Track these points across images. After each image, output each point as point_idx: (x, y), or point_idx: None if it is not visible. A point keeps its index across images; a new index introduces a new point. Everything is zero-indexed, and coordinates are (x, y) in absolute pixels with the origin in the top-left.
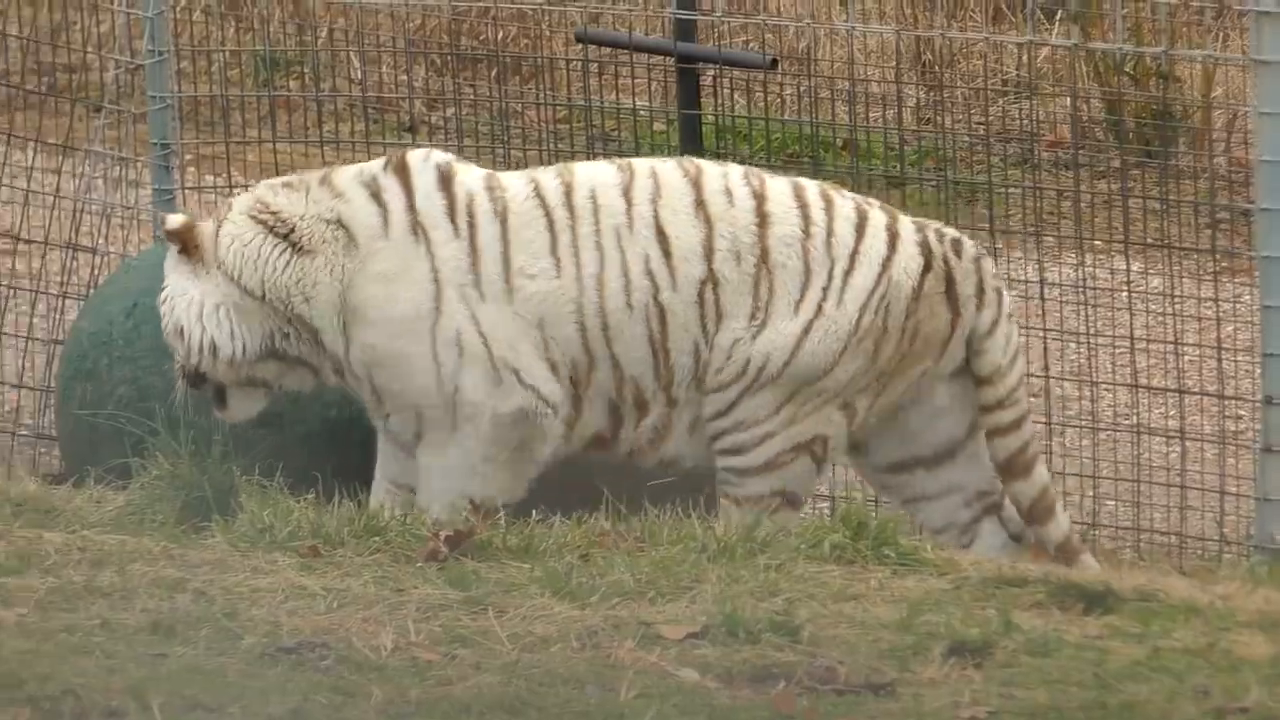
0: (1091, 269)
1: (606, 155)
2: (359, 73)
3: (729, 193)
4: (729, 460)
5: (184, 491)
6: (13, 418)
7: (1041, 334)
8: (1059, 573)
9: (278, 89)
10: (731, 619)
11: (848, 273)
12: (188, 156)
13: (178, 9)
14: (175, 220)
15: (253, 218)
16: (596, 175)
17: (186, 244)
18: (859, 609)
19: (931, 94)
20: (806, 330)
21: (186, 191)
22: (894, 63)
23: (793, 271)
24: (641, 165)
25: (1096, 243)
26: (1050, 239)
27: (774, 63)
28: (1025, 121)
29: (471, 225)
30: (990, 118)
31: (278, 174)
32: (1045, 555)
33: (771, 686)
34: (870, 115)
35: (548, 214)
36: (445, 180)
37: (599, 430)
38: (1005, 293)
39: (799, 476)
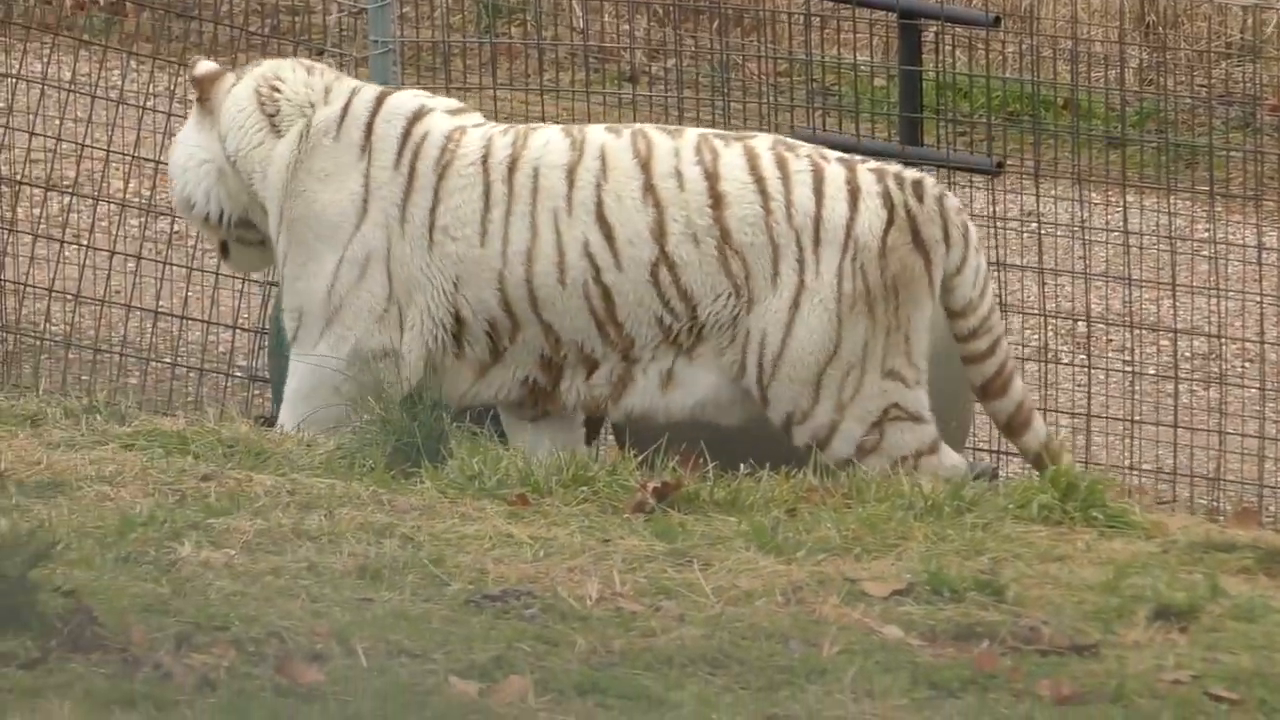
0: None
1: (826, 110)
2: (581, 21)
3: (679, 175)
4: (824, 455)
5: (394, 437)
6: (227, 359)
7: (1258, 298)
8: (1268, 539)
9: (499, 36)
10: (937, 577)
11: (816, 243)
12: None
13: None
14: (202, 67)
15: (257, 89)
16: (546, 153)
17: (202, 94)
18: (1065, 570)
19: (1154, 55)
20: (794, 304)
21: None
22: (1117, 23)
23: (760, 249)
24: (593, 143)
25: None
26: (1270, 203)
27: (997, 20)
28: (1248, 85)
29: (413, 167)
30: (1213, 80)
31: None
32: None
33: (975, 645)
34: (1092, 75)
35: (486, 185)
36: (415, 116)
37: (529, 377)
38: (971, 226)
39: (905, 441)
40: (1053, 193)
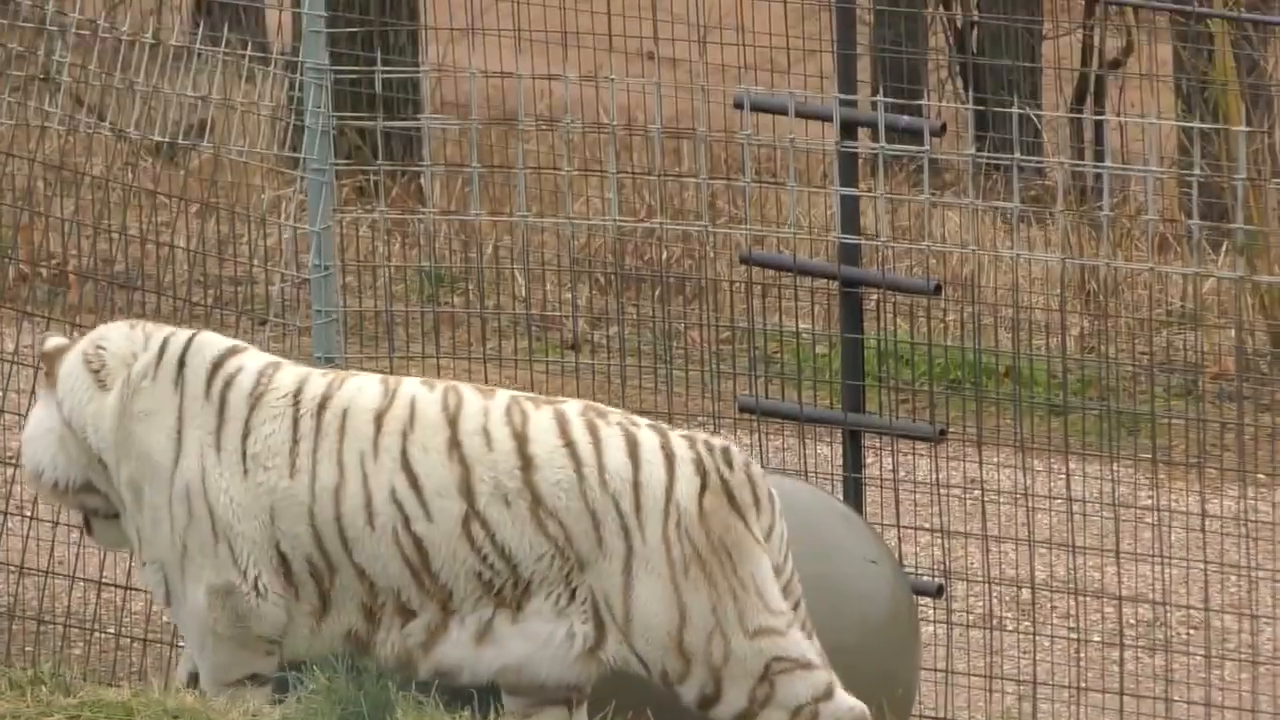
0: (1253, 501)
1: (768, 378)
2: (523, 290)
3: (486, 433)
4: (717, 713)
5: (340, 706)
6: (170, 629)
7: (1202, 566)
8: None
9: (442, 305)
10: None
11: (637, 509)
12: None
13: (344, 224)
14: (50, 344)
15: (84, 351)
16: (357, 397)
17: (48, 369)
18: None
19: (1095, 323)
20: (627, 570)
21: None
22: (1058, 291)
23: (577, 514)
24: (405, 393)
25: (1260, 476)
26: (1212, 471)
27: (938, 288)
28: (1189, 352)
29: (224, 397)
30: (1154, 348)
31: None
32: None
33: None
34: (1034, 342)
35: (295, 418)
36: (228, 352)
37: (352, 628)
38: (775, 494)
39: (798, 691)
40: (995, 460)
